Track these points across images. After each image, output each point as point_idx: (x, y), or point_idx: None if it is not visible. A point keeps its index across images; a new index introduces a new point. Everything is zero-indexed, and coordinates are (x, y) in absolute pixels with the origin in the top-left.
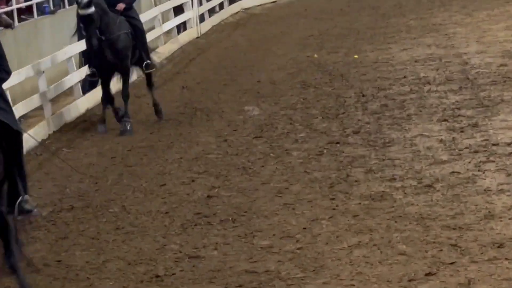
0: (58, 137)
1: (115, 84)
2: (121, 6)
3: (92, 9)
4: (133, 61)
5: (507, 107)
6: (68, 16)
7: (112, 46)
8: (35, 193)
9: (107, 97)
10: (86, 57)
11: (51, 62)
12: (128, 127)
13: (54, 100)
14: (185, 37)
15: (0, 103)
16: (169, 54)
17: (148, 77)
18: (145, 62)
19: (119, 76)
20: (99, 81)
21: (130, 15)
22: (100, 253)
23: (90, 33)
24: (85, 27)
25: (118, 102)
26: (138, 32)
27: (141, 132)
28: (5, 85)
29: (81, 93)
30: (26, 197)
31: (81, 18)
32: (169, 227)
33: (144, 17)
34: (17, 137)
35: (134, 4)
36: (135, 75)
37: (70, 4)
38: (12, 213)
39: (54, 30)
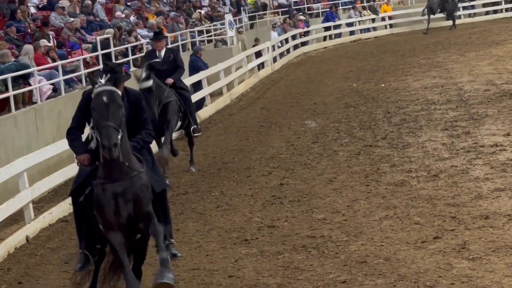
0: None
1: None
2: (169, 80)
3: (150, 82)
4: (183, 125)
5: (490, 120)
6: None
7: (164, 109)
8: None
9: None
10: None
11: None
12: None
13: None
14: (263, 73)
15: (150, 165)
16: (252, 84)
17: (191, 138)
18: (192, 127)
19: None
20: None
21: (179, 86)
22: (206, 224)
23: (151, 104)
24: (146, 98)
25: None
26: (186, 100)
27: (233, 140)
28: None
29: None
30: (172, 241)
31: (142, 91)
32: (253, 206)
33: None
34: (163, 193)
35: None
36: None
37: None
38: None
39: None
